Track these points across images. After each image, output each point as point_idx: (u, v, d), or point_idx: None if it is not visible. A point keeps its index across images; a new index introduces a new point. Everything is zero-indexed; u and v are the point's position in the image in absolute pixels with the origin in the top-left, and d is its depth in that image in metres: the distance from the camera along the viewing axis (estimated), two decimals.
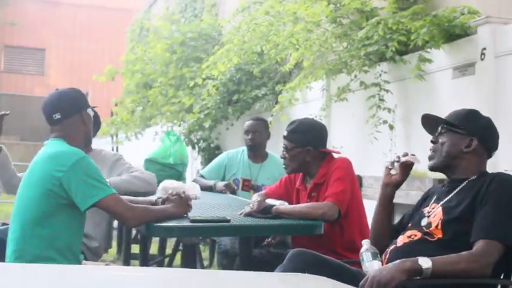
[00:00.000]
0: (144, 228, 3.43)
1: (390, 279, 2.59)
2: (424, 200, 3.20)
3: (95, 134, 4.30)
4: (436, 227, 2.90)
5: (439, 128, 3.11)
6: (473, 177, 2.98)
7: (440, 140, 3.08)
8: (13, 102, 24.09)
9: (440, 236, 2.87)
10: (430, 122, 3.21)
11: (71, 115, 3.47)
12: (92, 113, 3.64)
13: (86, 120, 3.55)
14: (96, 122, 4.16)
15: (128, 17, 22.06)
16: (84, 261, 3.64)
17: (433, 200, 3.09)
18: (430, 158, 3.13)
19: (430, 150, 3.13)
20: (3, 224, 8.30)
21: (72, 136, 3.46)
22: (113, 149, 12.77)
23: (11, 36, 25.07)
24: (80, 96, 3.57)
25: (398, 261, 2.68)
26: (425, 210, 3.07)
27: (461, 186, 2.98)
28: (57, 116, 3.44)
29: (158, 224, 3.33)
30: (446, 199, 2.99)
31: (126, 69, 12.17)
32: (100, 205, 3.27)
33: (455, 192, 2.99)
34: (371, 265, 2.90)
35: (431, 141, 3.13)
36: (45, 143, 3.48)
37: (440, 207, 2.96)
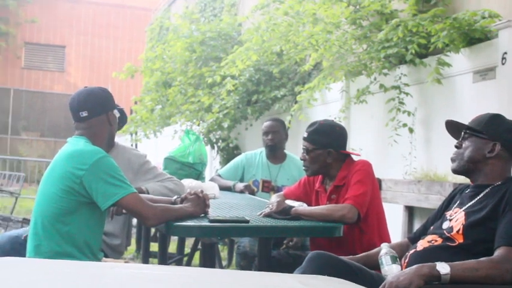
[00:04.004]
0: (164, 227, 3.44)
1: (407, 284, 2.57)
2: (448, 204, 3.19)
3: (118, 130, 4.29)
4: (458, 231, 2.88)
5: (462, 133, 3.09)
6: (498, 183, 2.96)
7: (463, 145, 3.07)
8: (33, 98, 24.29)
9: (461, 241, 2.85)
10: (453, 127, 3.20)
11: (98, 114, 3.49)
12: (118, 114, 3.66)
13: (112, 121, 3.57)
14: (122, 120, 4.17)
15: (147, 15, 22.19)
16: (104, 259, 3.67)
17: (456, 204, 3.07)
18: (452, 161, 3.12)
19: (454, 154, 3.12)
20: (24, 219, 8.38)
21: (96, 135, 3.48)
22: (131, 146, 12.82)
23: (32, 33, 25.24)
24: (108, 97, 3.59)
25: (415, 266, 2.65)
26: (448, 214, 3.06)
27: (485, 191, 2.96)
28: (84, 114, 3.46)
29: (178, 223, 3.34)
30: (469, 204, 2.98)
31: (146, 67, 12.21)
32: (120, 204, 3.29)
33: (478, 197, 2.97)
34: (390, 269, 2.90)
35: (455, 146, 3.11)
36: (68, 140, 3.50)
37: (463, 212, 2.95)
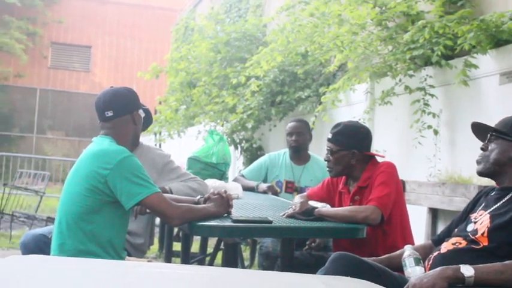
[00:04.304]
0: (187, 227, 3.45)
1: (430, 286, 2.54)
2: (473, 206, 3.16)
3: (144, 130, 4.31)
4: (482, 234, 2.85)
5: (488, 135, 3.07)
6: None
7: (489, 147, 3.04)
8: (59, 98, 24.51)
9: (486, 243, 2.83)
10: (479, 130, 3.17)
11: (123, 114, 3.52)
12: (143, 114, 3.68)
13: (137, 121, 3.60)
14: (148, 120, 4.19)
15: (173, 16, 22.27)
16: (127, 258, 3.69)
17: (481, 207, 3.05)
18: (478, 163, 3.09)
19: (479, 156, 3.09)
20: (48, 217, 8.44)
21: (121, 135, 3.50)
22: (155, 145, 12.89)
23: (58, 33, 25.45)
24: (133, 97, 3.61)
25: (439, 268, 2.63)
26: (473, 216, 3.03)
27: (510, 194, 2.93)
28: (109, 113, 3.48)
29: (201, 223, 3.34)
30: (494, 207, 2.95)
31: (171, 67, 12.26)
32: (144, 204, 3.30)
33: (504, 200, 2.93)
34: (413, 271, 2.88)
35: (481, 148, 3.08)
36: (93, 139, 3.53)
37: (488, 215, 2.92)
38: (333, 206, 4.00)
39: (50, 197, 12.19)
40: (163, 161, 4.32)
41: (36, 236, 4.01)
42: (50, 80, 25.08)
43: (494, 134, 3.05)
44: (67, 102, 24.59)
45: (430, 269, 2.83)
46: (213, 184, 4.75)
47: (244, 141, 9.73)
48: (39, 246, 3.90)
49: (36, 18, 24.31)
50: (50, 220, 8.19)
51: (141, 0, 26.45)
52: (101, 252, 3.32)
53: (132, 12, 26.40)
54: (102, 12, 26.13)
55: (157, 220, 6.65)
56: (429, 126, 5.61)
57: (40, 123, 23.95)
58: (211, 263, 6.21)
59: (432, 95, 5.66)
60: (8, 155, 15.71)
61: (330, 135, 4.03)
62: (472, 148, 3.66)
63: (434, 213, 5.57)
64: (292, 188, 5.59)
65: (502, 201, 2.94)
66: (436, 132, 5.61)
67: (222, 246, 5.97)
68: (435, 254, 3.00)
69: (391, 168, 3.90)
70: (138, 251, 4.22)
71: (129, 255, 4.00)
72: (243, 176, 5.85)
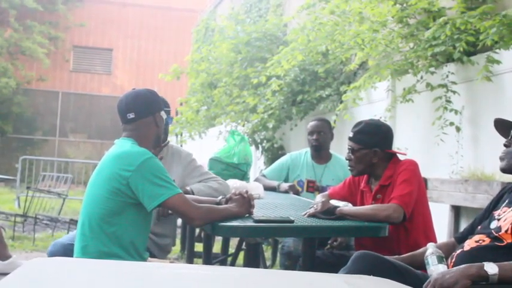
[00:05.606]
0: (209, 227, 3.46)
1: (453, 283, 2.53)
2: (497, 203, 3.13)
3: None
4: (506, 231, 2.83)
5: (511, 132, 3.04)
6: None
7: None
8: (81, 101, 24.65)
9: (510, 240, 2.80)
10: (502, 126, 3.15)
11: (144, 116, 3.52)
12: (165, 116, 3.69)
13: (159, 123, 3.60)
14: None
15: (193, 17, 22.30)
16: (149, 259, 3.70)
17: (504, 204, 3.02)
18: (501, 159, 3.06)
19: (502, 153, 3.06)
20: (71, 220, 8.49)
21: (143, 136, 3.51)
22: None
23: (80, 37, 25.58)
24: (155, 98, 3.62)
25: (463, 266, 2.62)
26: (496, 213, 3.01)
27: None
28: (131, 115, 3.49)
29: (223, 224, 3.35)
30: None
31: (192, 68, 12.29)
32: (166, 205, 3.31)
33: None
34: (436, 269, 2.86)
35: (504, 145, 3.06)
36: (115, 142, 3.55)
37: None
38: (354, 205, 3.98)
39: (73, 199, 12.26)
40: (188, 159, 4.41)
41: (64, 246, 4.00)
42: (72, 83, 25.21)
43: None
44: (89, 105, 24.72)
45: (453, 267, 2.81)
46: (234, 184, 4.76)
47: (265, 141, 9.72)
48: (67, 255, 3.87)
49: (58, 22, 24.43)
50: (73, 222, 8.24)
51: (162, 2, 26.49)
52: (124, 253, 3.34)
53: (153, 14, 26.46)
54: (123, 15, 26.23)
55: (179, 221, 6.67)
56: (451, 123, 5.57)
57: (62, 126, 24.10)
58: (233, 264, 6.22)
59: (454, 92, 5.62)
60: (31, 158, 15.82)
61: (351, 134, 4.02)
62: (495, 144, 3.63)
63: (457, 211, 5.53)
64: (313, 187, 5.58)
65: None
66: (458, 129, 5.56)
67: (243, 247, 5.97)
68: (458, 251, 2.98)
69: (413, 166, 3.88)
70: (163, 252, 4.26)
71: (153, 255, 4.02)
72: (264, 175, 5.85)
